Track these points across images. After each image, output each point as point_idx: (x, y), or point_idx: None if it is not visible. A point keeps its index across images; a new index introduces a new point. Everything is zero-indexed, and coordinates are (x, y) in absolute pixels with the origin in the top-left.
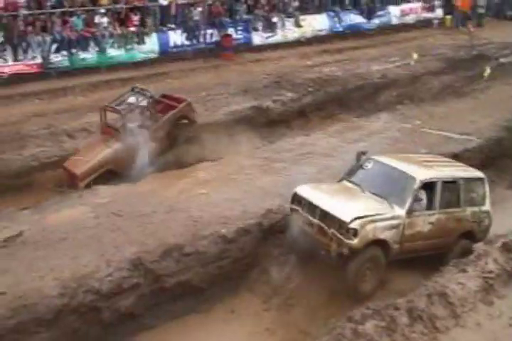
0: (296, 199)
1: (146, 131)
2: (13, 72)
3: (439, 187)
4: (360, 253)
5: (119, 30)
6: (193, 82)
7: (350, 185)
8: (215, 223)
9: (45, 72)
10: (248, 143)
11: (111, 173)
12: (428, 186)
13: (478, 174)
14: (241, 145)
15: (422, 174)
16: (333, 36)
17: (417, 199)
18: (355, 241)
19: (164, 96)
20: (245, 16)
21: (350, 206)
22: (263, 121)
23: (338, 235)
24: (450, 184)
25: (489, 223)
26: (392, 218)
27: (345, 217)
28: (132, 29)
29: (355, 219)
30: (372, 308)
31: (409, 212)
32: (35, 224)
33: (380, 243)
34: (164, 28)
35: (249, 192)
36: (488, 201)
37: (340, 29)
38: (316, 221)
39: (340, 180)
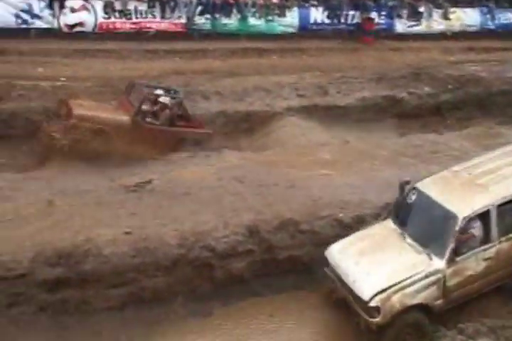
0: (327, 264)
1: (153, 126)
2: (159, 28)
3: (494, 214)
4: (396, 320)
5: (262, 1)
6: (328, 61)
7: (392, 227)
8: (333, 206)
9: (188, 33)
10: (376, 132)
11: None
12: (480, 216)
13: None
14: (368, 133)
15: (466, 208)
16: (482, 33)
17: (464, 239)
18: (378, 319)
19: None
20: (391, 2)
21: (373, 275)
22: (395, 112)
23: (362, 313)
24: None
25: None
26: (428, 275)
27: (365, 295)
28: (275, 1)
29: (376, 295)
30: (488, 326)
31: (451, 260)
32: (164, 175)
33: (416, 306)
34: (306, 4)
35: (372, 181)
36: None
37: (492, 27)
38: (344, 291)
39: (386, 218)
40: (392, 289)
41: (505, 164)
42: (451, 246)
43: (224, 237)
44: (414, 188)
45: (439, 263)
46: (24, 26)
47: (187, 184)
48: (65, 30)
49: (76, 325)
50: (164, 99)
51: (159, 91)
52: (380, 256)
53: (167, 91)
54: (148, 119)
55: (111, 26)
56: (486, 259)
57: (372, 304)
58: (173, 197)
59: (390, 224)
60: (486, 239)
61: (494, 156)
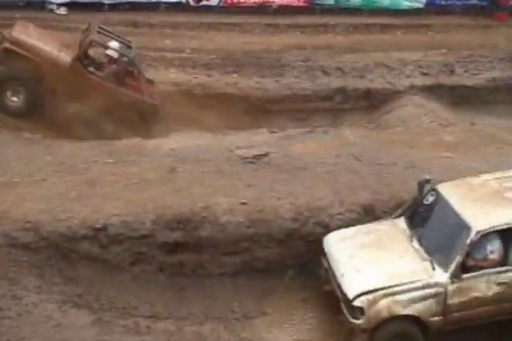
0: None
1: (94, 79)
2: (281, 3)
3: None
4: (382, 327)
5: None
6: (455, 39)
7: (403, 227)
8: None
9: (311, 8)
10: (506, 115)
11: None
12: (500, 233)
13: None
14: (497, 116)
15: (483, 221)
16: None
17: (476, 257)
18: (361, 321)
19: (149, 81)
20: None
21: (365, 273)
22: None
23: (345, 311)
24: None
25: None
26: (426, 286)
27: (350, 292)
28: None
29: (361, 295)
30: None
31: (456, 276)
32: (281, 148)
33: (409, 317)
34: None
35: (497, 167)
36: None
37: None
38: (334, 285)
39: (399, 216)
40: (382, 292)
41: None
42: (459, 259)
43: (338, 214)
44: (433, 189)
45: (441, 276)
46: (154, 0)
47: (303, 159)
48: (192, 3)
49: (191, 287)
50: (112, 52)
51: (114, 43)
52: (379, 255)
53: (127, 46)
54: (90, 69)
55: (235, 0)
56: (499, 284)
57: (356, 303)
58: (289, 171)
59: (401, 223)
60: (504, 260)
61: None
